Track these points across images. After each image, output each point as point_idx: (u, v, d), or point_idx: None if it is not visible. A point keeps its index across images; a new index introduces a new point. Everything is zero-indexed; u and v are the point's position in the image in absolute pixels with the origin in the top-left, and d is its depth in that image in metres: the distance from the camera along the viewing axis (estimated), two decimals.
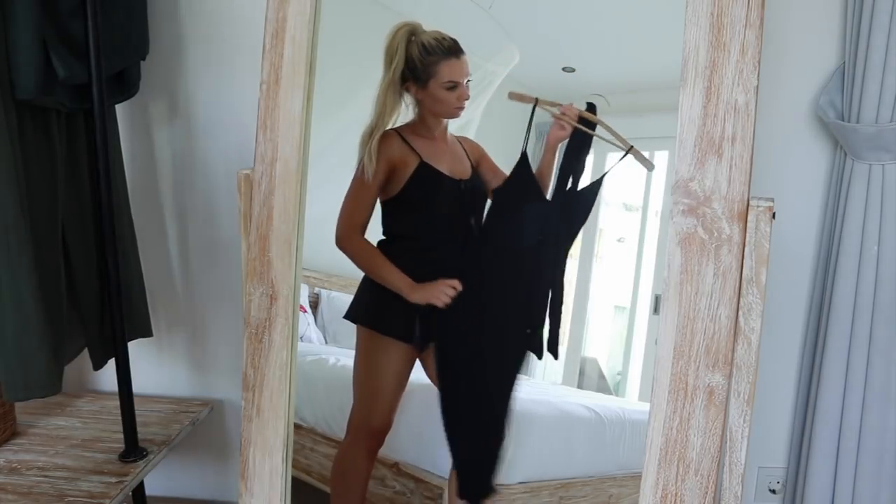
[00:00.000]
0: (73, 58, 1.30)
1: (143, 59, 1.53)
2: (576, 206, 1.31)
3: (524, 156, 1.30)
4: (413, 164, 1.30)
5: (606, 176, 1.29)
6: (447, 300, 1.29)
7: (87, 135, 1.44)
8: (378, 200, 1.34)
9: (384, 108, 1.29)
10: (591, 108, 1.28)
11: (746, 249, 1.13)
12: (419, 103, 1.31)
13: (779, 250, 1.40)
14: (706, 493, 1.17)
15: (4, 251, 1.21)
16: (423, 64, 1.28)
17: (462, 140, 1.32)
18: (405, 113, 1.33)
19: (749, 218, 1.12)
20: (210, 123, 1.69)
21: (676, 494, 1.18)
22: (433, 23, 1.39)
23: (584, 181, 1.31)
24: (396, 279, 1.32)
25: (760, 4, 1.12)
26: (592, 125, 1.26)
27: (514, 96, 1.28)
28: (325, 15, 1.32)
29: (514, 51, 1.34)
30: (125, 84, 1.51)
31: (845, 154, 1.51)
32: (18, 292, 1.22)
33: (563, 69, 1.32)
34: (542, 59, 1.32)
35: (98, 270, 1.48)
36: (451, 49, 1.28)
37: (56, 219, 1.37)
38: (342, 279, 1.50)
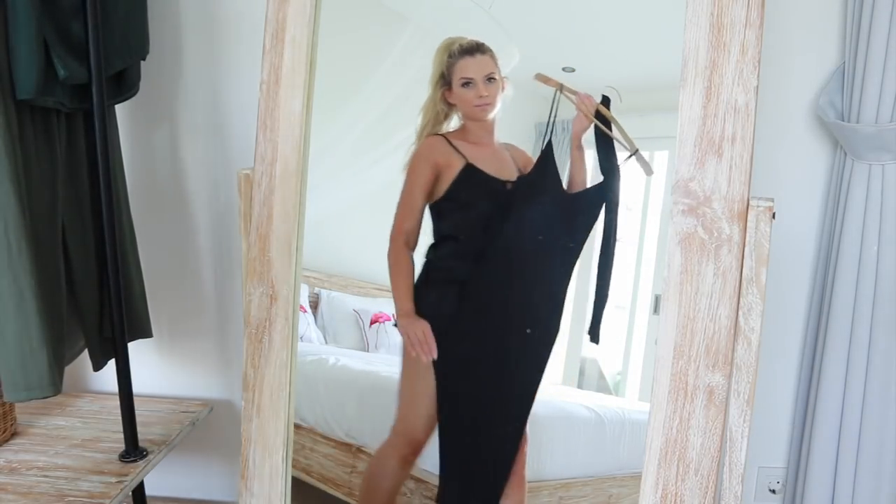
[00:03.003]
0: (73, 58, 1.30)
1: (143, 59, 1.53)
2: (587, 204, 1.32)
3: (549, 146, 1.31)
4: (458, 166, 1.32)
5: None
6: (412, 352, 1.32)
7: (87, 135, 1.43)
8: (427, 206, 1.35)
9: (426, 116, 1.34)
10: (606, 101, 1.28)
11: (746, 249, 1.13)
12: (459, 108, 1.34)
13: (779, 250, 1.40)
14: (706, 493, 1.17)
15: (4, 251, 1.21)
16: (448, 69, 1.32)
17: (509, 147, 1.34)
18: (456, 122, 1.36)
19: (749, 218, 1.12)
20: (210, 123, 1.69)
21: (676, 494, 1.18)
22: (433, 23, 1.39)
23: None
24: (399, 301, 1.33)
25: (760, 4, 1.12)
26: (607, 122, 1.26)
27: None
28: (324, 15, 1.32)
29: (515, 50, 1.34)
30: (125, 84, 1.50)
31: (845, 154, 1.51)
32: (18, 292, 1.22)
33: (563, 69, 1.32)
34: (542, 59, 1.32)
35: (98, 270, 1.48)
36: (467, 49, 1.32)
37: (56, 219, 1.37)
38: (342, 279, 1.50)
